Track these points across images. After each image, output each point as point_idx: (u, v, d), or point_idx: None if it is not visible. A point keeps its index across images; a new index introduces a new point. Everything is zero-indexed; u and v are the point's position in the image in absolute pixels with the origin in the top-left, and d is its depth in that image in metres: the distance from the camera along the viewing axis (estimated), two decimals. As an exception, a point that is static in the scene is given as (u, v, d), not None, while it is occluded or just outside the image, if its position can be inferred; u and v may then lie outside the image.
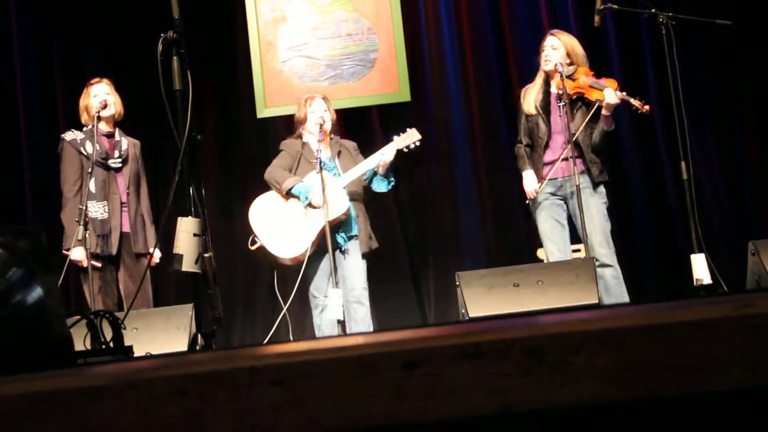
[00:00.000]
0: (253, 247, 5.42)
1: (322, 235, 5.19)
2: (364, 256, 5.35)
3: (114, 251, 5.28)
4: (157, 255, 5.36)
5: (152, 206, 5.73)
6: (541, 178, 5.21)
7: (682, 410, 1.16)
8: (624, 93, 5.11)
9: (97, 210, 5.24)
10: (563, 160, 5.07)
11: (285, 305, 5.29)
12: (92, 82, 5.50)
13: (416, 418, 1.14)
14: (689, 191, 5.03)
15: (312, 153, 5.28)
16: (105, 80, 5.52)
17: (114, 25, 6.87)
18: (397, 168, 5.48)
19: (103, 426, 1.14)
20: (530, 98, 5.32)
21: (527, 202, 5.30)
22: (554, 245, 5.18)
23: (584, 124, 5.12)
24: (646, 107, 5.09)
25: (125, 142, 5.50)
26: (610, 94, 5.04)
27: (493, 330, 1.20)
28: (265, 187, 5.52)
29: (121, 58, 6.70)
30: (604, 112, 5.10)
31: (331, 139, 5.49)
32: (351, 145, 5.55)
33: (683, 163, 5.07)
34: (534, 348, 1.15)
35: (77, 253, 5.15)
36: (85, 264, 5.11)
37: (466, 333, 1.20)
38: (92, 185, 5.23)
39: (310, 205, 5.26)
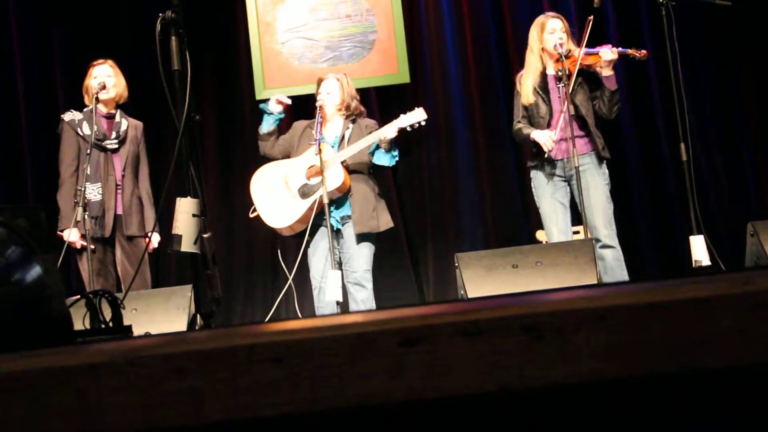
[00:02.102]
0: (252, 215, 5.43)
1: (319, 211, 5.18)
2: (366, 237, 5.30)
3: (107, 233, 5.25)
4: (155, 239, 5.35)
5: (153, 188, 5.70)
6: (548, 158, 5.18)
7: (682, 387, 1.16)
8: (619, 48, 5.12)
9: (91, 191, 5.22)
10: (564, 140, 5.06)
11: (290, 276, 5.30)
12: (95, 63, 5.47)
13: (415, 396, 1.14)
14: (688, 173, 5.03)
15: (318, 133, 5.25)
16: (108, 61, 5.48)
17: (114, 4, 6.84)
18: (397, 148, 5.45)
19: (102, 403, 1.14)
20: (527, 85, 5.29)
21: (546, 156, 5.17)
22: (555, 226, 5.18)
23: (574, 89, 5.13)
24: (643, 51, 5.12)
25: (125, 123, 5.46)
26: (606, 52, 5.07)
27: (492, 307, 1.19)
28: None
29: (121, 37, 6.67)
30: (604, 72, 5.11)
31: (349, 118, 5.45)
32: (365, 123, 5.46)
33: (682, 145, 5.08)
34: (533, 325, 1.15)
35: (70, 235, 5.14)
36: (78, 246, 5.13)
37: (464, 311, 1.20)
38: (87, 166, 5.21)
39: (277, 102, 5.40)
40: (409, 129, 5.27)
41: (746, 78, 6.72)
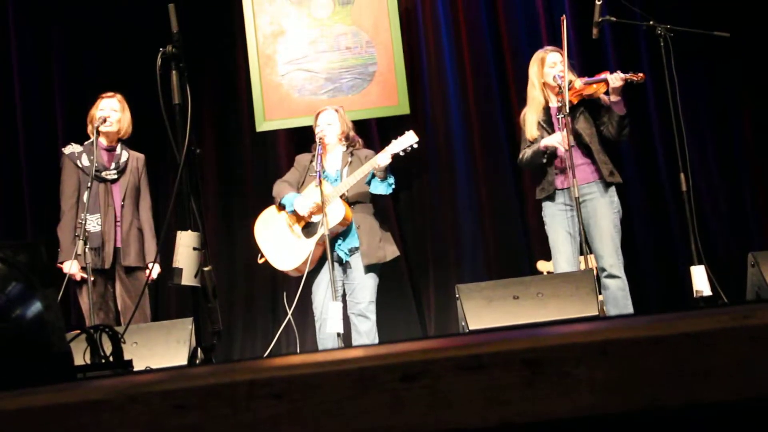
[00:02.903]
0: (260, 261, 5.44)
1: (325, 247, 5.18)
2: (373, 268, 5.30)
3: (107, 265, 5.23)
4: (155, 270, 5.33)
5: (154, 221, 5.68)
6: (555, 189, 5.20)
7: (683, 422, 1.16)
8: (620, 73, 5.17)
9: (91, 223, 5.22)
10: (570, 168, 5.05)
11: (290, 311, 5.28)
12: (103, 95, 5.50)
13: (415, 431, 1.14)
14: (688, 203, 5.03)
15: (319, 165, 5.26)
16: (117, 96, 5.52)
17: (114, 39, 6.87)
18: (397, 180, 5.46)
19: (103, 440, 1.14)
20: (531, 121, 5.31)
21: (564, 151, 5.11)
22: (562, 256, 5.18)
23: (576, 118, 5.15)
24: (640, 74, 5.17)
25: (125, 155, 5.47)
26: (613, 78, 5.09)
27: (493, 342, 1.19)
28: (264, 200, 5.53)
29: (121, 72, 6.69)
30: (612, 98, 5.13)
31: (348, 150, 5.47)
32: (364, 154, 5.48)
33: (682, 175, 5.08)
34: (534, 360, 1.14)
35: (71, 267, 5.14)
36: (77, 278, 5.13)
37: (465, 345, 1.20)
38: (86, 198, 5.21)
39: (295, 213, 5.29)
40: (402, 154, 5.27)
41: (745, 107, 6.73)
